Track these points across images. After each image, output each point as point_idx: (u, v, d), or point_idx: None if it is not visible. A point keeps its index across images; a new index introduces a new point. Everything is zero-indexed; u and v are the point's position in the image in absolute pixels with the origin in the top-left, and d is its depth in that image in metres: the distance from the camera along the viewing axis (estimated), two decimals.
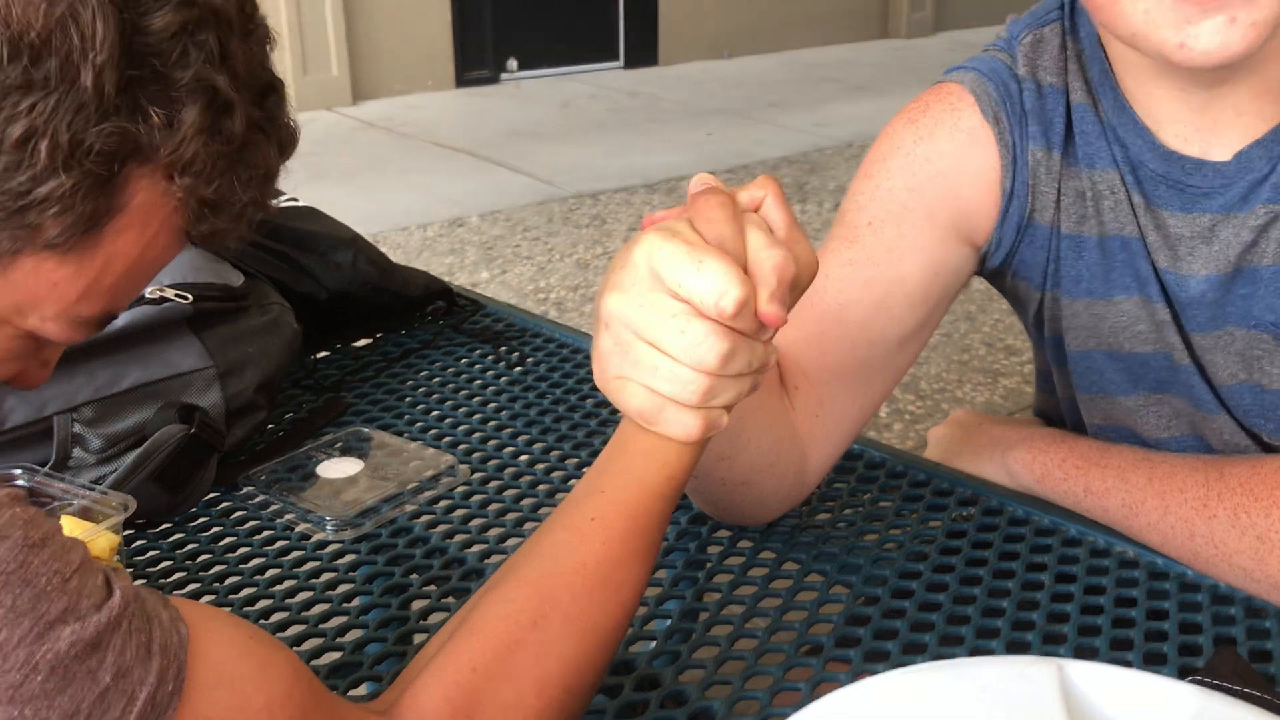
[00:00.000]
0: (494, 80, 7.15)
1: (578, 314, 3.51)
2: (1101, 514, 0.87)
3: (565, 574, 0.60)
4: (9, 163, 0.47)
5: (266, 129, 0.56)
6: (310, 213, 1.22)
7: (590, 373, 1.14)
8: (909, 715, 0.44)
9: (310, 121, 6.04)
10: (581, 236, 4.27)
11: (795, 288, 0.59)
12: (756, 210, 0.61)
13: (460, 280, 3.74)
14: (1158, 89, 0.81)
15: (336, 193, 4.55)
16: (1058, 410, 1.04)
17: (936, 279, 0.88)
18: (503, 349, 1.21)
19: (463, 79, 7.01)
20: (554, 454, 1.00)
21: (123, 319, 0.95)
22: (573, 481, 0.95)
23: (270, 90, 0.56)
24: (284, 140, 0.58)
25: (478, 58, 7.06)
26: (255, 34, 0.55)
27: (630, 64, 7.65)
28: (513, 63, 7.21)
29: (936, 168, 0.87)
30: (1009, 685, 0.44)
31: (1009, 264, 0.91)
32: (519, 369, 1.17)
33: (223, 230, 0.57)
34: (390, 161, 5.28)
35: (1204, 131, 0.82)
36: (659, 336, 0.56)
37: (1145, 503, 0.84)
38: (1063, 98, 0.86)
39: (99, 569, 0.48)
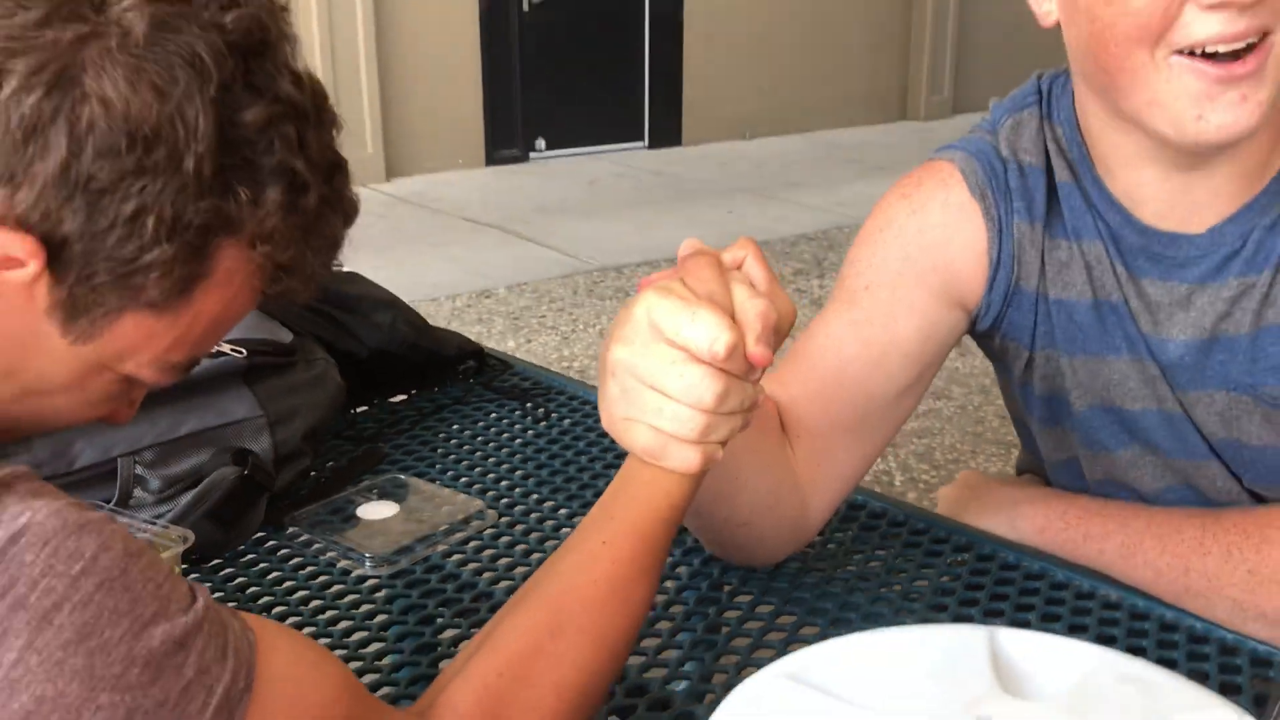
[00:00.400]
0: (523, 158, 7.35)
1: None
2: (1098, 557, 0.93)
3: (580, 590, 0.67)
4: (121, 235, 0.55)
5: (334, 203, 0.63)
6: (353, 277, 1.31)
7: None
8: (856, 668, 0.51)
9: None
10: (605, 308, 4.37)
11: (777, 333, 0.67)
12: (739, 268, 0.69)
13: None
14: (1140, 171, 0.88)
15: (370, 265, 4.65)
16: (1042, 471, 1.10)
17: (930, 339, 0.95)
18: (529, 405, 1.29)
19: (493, 157, 7.21)
20: (575, 501, 1.07)
21: None
22: None
23: (337, 169, 0.64)
24: (348, 212, 0.66)
25: (507, 137, 7.27)
26: (326, 121, 0.63)
27: (655, 144, 7.85)
28: (541, 142, 7.42)
29: (929, 238, 0.95)
30: (945, 645, 0.51)
31: (998, 326, 0.98)
32: (544, 424, 1.24)
33: (293, 290, 0.65)
34: (422, 236, 5.43)
35: (1181, 209, 0.89)
36: (661, 381, 0.64)
37: (1143, 543, 0.91)
38: (1043, 176, 0.94)
39: (183, 579, 0.55)
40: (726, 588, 0.92)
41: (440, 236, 5.41)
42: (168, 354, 0.62)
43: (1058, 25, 0.86)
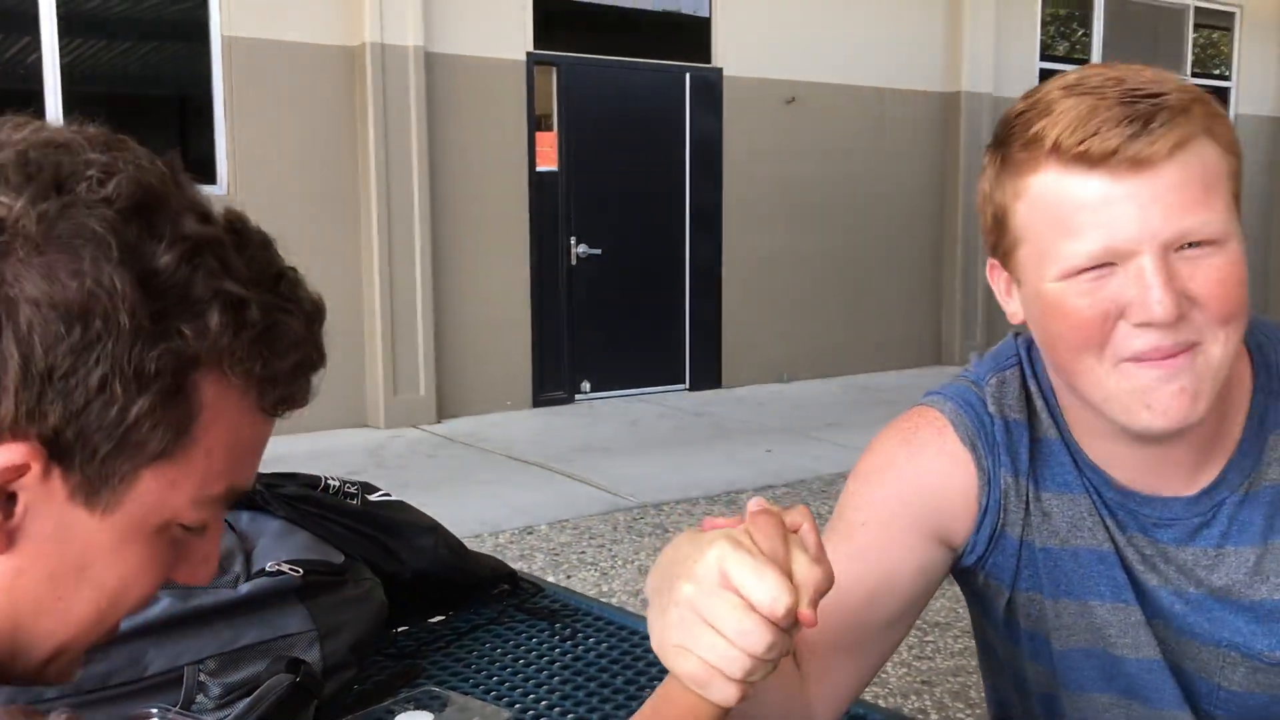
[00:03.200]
0: (568, 400, 7.62)
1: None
2: None
3: None
4: (101, 404, 0.59)
5: (287, 307, 0.66)
6: (399, 505, 1.45)
7: (632, 646, 1.32)
8: None
9: (396, 438, 6.48)
10: (644, 544, 4.45)
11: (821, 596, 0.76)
12: (796, 532, 0.77)
13: None
14: (1109, 444, 0.98)
15: (418, 500, 4.77)
16: (1019, 709, 1.16)
17: (919, 577, 1.03)
18: (558, 625, 1.38)
19: (539, 399, 7.49)
20: (595, 714, 1.16)
21: (245, 588, 1.17)
22: None
23: (280, 277, 0.67)
24: (308, 311, 0.68)
25: (554, 380, 7.58)
26: (249, 241, 0.66)
27: (695, 386, 8.11)
28: (586, 384, 7.71)
29: (924, 482, 1.03)
30: None
31: (980, 566, 1.06)
32: (570, 643, 1.34)
33: (289, 395, 0.68)
34: (468, 474, 5.60)
35: (1151, 478, 0.98)
36: (720, 623, 0.71)
37: None
38: (1026, 431, 1.03)
39: None
40: None
41: (486, 474, 5.58)
42: (202, 491, 0.65)
43: (1024, 323, 0.98)
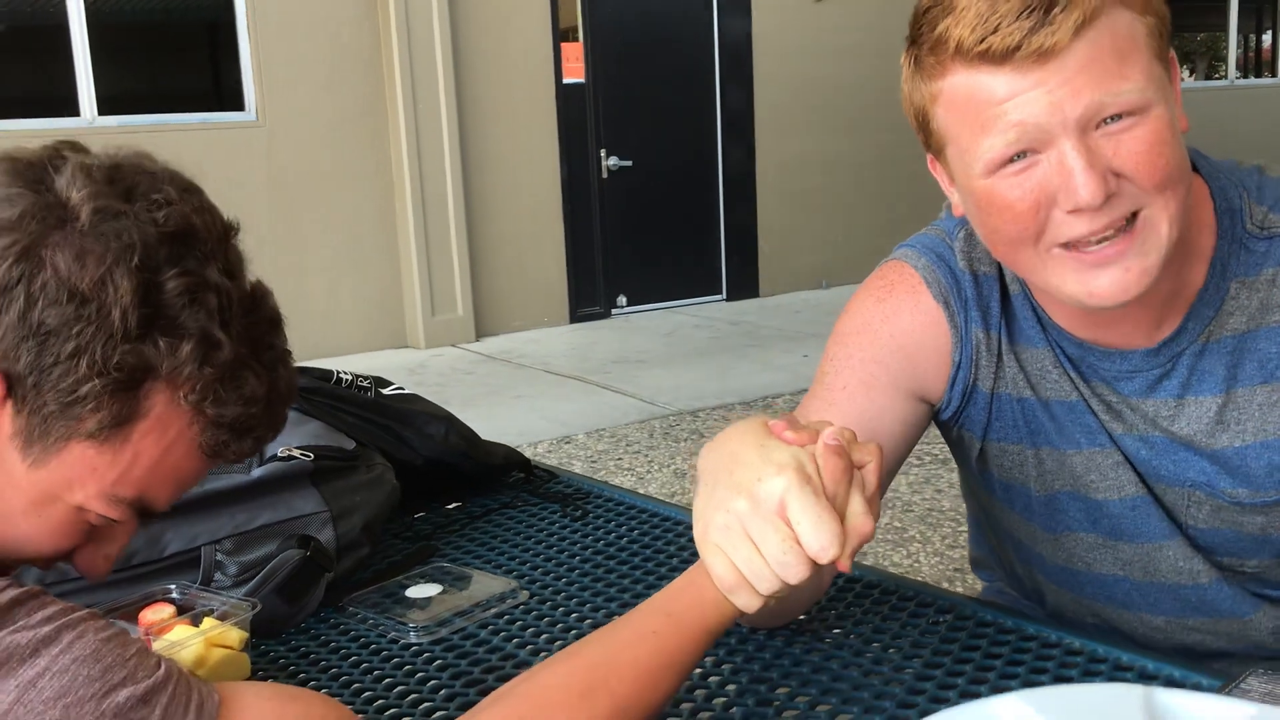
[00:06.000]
0: (605, 315, 7.64)
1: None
2: None
3: (621, 665, 0.77)
4: (63, 370, 0.69)
5: (254, 369, 0.76)
6: (411, 396, 1.48)
7: (640, 523, 1.34)
8: None
9: (436, 357, 6.56)
10: (679, 449, 4.50)
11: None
12: (860, 469, 0.81)
13: None
14: (1064, 310, 1.00)
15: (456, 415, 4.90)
16: (996, 557, 1.18)
17: (902, 433, 1.06)
18: (569, 507, 1.42)
19: (576, 315, 7.52)
20: (600, 583, 1.19)
21: (258, 472, 1.20)
22: (615, 603, 1.13)
23: (269, 349, 0.78)
24: (279, 386, 0.78)
25: (589, 296, 7.59)
26: (258, 310, 0.78)
27: (732, 296, 8.09)
28: (622, 299, 7.72)
29: (900, 343, 1.06)
30: (1098, 709, 0.60)
31: (955, 420, 1.09)
32: (580, 522, 1.37)
33: (226, 443, 0.77)
34: (506, 389, 5.67)
35: (1109, 333, 0.99)
36: (764, 545, 0.76)
37: None
38: (996, 283, 1.05)
39: (155, 654, 0.68)
40: (738, 643, 1.02)
41: (524, 389, 5.65)
42: (114, 488, 0.74)
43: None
